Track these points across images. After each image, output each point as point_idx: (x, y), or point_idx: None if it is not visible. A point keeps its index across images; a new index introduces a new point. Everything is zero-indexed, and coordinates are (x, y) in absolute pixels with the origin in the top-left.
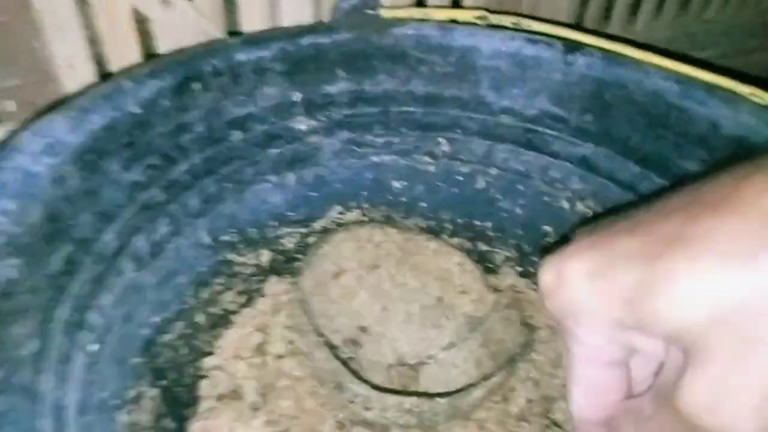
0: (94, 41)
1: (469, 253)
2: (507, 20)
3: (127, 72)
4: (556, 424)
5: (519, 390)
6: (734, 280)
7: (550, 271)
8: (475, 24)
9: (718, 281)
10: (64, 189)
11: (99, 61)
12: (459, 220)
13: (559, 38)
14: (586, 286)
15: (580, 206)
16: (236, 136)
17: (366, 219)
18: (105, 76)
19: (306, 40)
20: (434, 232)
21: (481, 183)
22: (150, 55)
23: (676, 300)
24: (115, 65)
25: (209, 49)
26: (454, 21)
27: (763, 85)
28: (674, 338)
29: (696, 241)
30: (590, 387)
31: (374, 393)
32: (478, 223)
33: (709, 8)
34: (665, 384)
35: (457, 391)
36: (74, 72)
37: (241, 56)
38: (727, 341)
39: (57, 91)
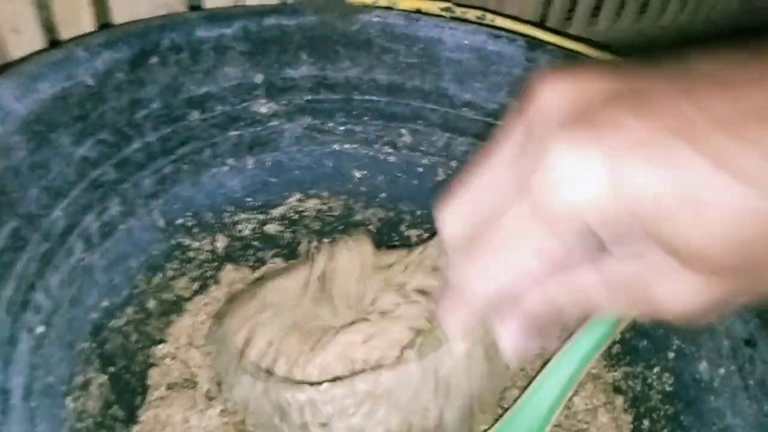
0: (42, 5)
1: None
2: (472, 14)
3: (80, 40)
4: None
5: None
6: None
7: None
8: (440, 15)
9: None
10: (10, 160)
11: (48, 27)
12: (418, 212)
13: (521, 35)
14: (606, 184)
15: None
16: (194, 115)
17: (325, 207)
18: (54, 44)
19: (269, 21)
20: (393, 223)
21: (441, 175)
22: (104, 25)
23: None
24: (65, 33)
25: (168, 22)
26: (419, 11)
27: None
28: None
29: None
30: (523, 271)
31: (317, 395)
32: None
33: (665, 14)
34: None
35: None
36: (20, 37)
37: (202, 32)
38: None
39: (0, 57)
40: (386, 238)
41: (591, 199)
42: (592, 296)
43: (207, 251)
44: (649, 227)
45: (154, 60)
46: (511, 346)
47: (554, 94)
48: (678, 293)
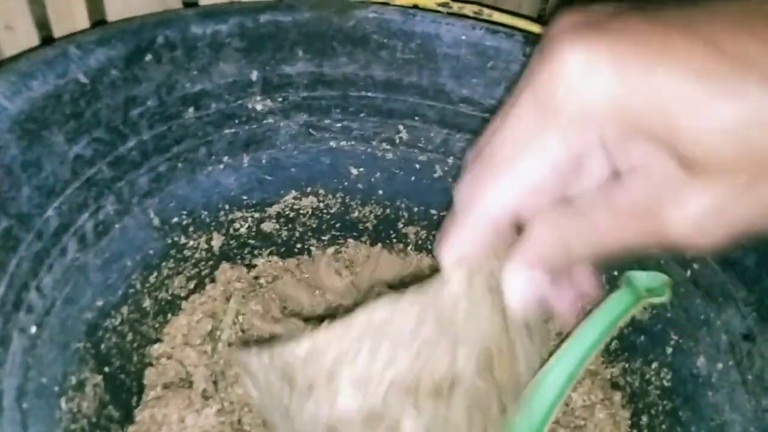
0: (36, 2)
1: (424, 242)
2: (469, 9)
3: (74, 38)
4: None
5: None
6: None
7: (576, 49)
8: (437, 11)
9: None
10: (2, 159)
11: (42, 24)
12: (415, 209)
13: (519, 30)
14: (613, 80)
15: None
16: (189, 113)
17: (322, 205)
18: (47, 41)
19: (265, 17)
20: (390, 221)
21: (438, 172)
22: (98, 22)
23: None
24: (59, 30)
25: (163, 19)
26: (416, 6)
27: None
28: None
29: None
30: (530, 184)
31: (316, 342)
32: (434, 212)
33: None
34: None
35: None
36: (12, 34)
37: (197, 29)
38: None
39: None
40: (383, 236)
41: (595, 91)
42: (601, 229)
43: (203, 250)
44: (652, 119)
45: (148, 57)
46: (516, 289)
47: (567, 19)
48: (685, 209)
